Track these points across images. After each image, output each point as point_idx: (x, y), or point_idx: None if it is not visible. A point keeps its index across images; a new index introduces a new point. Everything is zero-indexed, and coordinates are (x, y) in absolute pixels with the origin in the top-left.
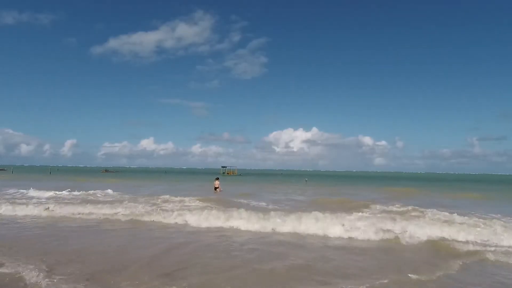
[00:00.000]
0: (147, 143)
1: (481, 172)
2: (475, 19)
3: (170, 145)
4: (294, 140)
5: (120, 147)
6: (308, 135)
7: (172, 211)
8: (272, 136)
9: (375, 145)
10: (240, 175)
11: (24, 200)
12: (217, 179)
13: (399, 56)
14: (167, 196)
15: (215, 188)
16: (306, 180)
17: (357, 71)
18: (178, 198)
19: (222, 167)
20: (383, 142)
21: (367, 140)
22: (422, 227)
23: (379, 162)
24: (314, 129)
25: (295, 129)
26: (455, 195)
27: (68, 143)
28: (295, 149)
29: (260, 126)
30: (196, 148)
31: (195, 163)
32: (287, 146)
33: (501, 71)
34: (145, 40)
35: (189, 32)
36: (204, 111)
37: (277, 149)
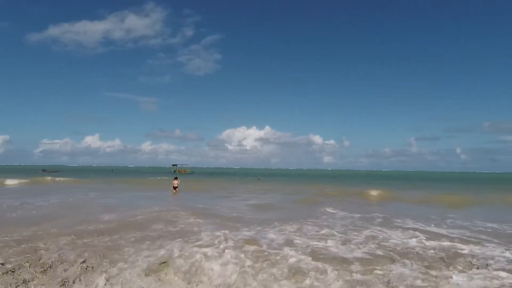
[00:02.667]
0: (91, 140)
1: (418, 170)
2: (411, 21)
3: (117, 142)
4: (247, 138)
5: (61, 144)
6: (261, 133)
7: None
8: (225, 134)
9: (324, 144)
10: (192, 173)
11: None
12: (176, 178)
13: (346, 58)
14: None
15: (174, 188)
16: (259, 178)
17: (308, 71)
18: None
19: (173, 165)
20: (332, 141)
21: (317, 139)
22: None
23: (328, 160)
24: (267, 128)
25: (249, 127)
26: (432, 198)
27: None
28: (248, 147)
29: (213, 124)
30: (146, 146)
31: (144, 161)
32: (240, 144)
33: (436, 77)
34: (90, 30)
35: (139, 24)
36: (154, 107)
37: (230, 147)
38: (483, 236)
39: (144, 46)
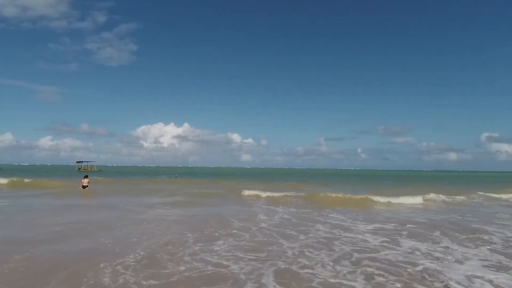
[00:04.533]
0: None
1: (326, 167)
2: (326, 30)
3: (8, 137)
4: (165, 135)
5: None
6: (179, 130)
7: None
8: (141, 130)
9: (243, 143)
10: (100, 170)
11: None
12: (86, 177)
13: (264, 59)
14: None
15: (83, 187)
16: (176, 176)
17: (228, 70)
18: None
19: (77, 162)
20: (250, 140)
21: (236, 137)
22: None
23: (246, 159)
24: (186, 125)
25: (166, 124)
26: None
27: None
28: (165, 145)
29: (127, 119)
30: (46, 141)
31: (43, 158)
32: (156, 141)
33: (342, 83)
34: None
35: (38, 2)
36: (56, 97)
37: (146, 144)
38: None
39: (45, 28)
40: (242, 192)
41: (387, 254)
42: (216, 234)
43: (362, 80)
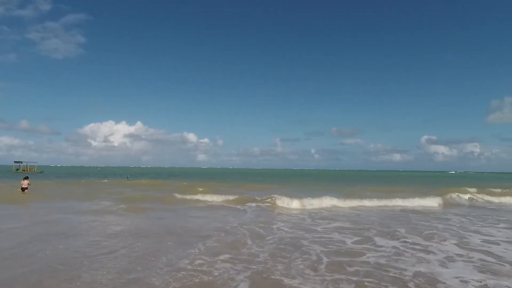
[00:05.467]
0: None
1: (282, 168)
2: (287, 32)
3: None
4: (115, 134)
5: None
6: (131, 129)
7: None
8: (89, 128)
9: (199, 143)
10: (41, 172)
11: None
12: (27, 178)
13: (221, 58)
14: None
15: (23, 189)
16: (127, 178)
17: (183, 68)
18: None
19: (15, 162)
20: (206, 140)
21: (191, 137)
22: None
23: (202, 159)
24: (139, 124)
25: (117, 122)
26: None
27: None
28: (116, 144)
29: (73, 116)
30: None
31: None
32: (106, 140)
33: (298, 86)
34: None
35: None
36: None
37: (94, 143)
38: None
39: None
40: (183, 196)
41: None
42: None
43: (317, 83)
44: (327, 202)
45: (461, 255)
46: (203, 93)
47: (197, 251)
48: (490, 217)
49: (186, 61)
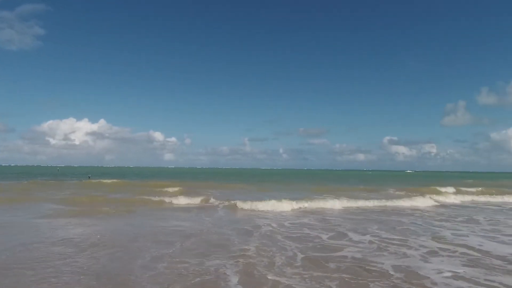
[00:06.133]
0: None
1: (250, 167)
2: (251, 29)
3: None
4: (77, 132)
5: None
6: (94, 127)
7: None
8: (47, 125)
9: (166, 141)
10: None
11: None
12: None
13: (188, 55)
14: None
15: None
16: (89, 177)
17: (149, 63)
18: None
19: None
20: (173, 139)
21: (158, 135)
22: None
23: (169, 158)
24: (102, 121)
25: (79, 119)
26: None
27: None
28: (77, 142)
29: (29, 112)
30: None
31: None
32: (66, 138)
33: (268, 85)
34: None
35: None
36: None
37: (53, 141)
38: None
39: None
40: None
41: None
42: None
43: (286, 82)
44: (287, 205)
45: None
46: (170, 91)
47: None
48: (466, 216)
49: (152, 57)
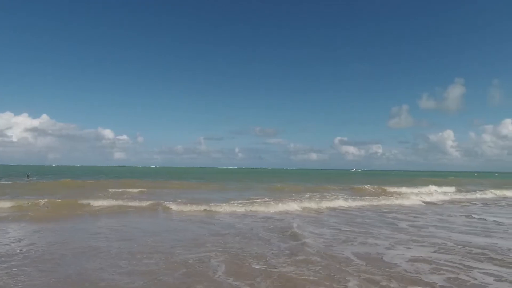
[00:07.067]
0: None
1: (205, 166)
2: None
3: None
4: (14, 128)
5: None
6: (35, 122)
7: None
8: None
9: (116, 139)
10: None
11: None
12: None
13: (146, 52)
14: None
15: None
16: (28, 176)
17: (98, 55)
18: None
19: None
20: (125, 137)
21: (108, 133)
22: None
23: (119, 157)
24: (45, 117)
25: (17, 114)
26: None
27: None
28: (14, 139)
29: None
30: None
31: None
32: (2, 134)
33: (225, 83)
34: None
35: None
36: None
37: None
38: None
39: None
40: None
41: None
42: None
43: (242, 81)
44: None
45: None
46: (121, 86)
47: None
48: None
49: (100, 49)
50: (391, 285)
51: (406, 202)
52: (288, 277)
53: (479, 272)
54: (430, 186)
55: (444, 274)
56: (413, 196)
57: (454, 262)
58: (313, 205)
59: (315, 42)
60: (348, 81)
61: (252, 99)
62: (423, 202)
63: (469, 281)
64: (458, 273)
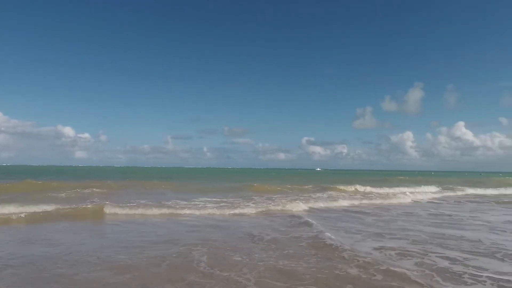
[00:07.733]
0: None
1: (173, 166)
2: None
3: None
4: None
5: None
6: None
7: None
8: None
9: (77, 137)
10: None
11: None
12: None
13: (112, 46)
14: None
15: None
16: None
17: (59, 46)
18: None
19: None
20: (86, 135)
21: (68, 131)
22: None
23: (80, 156)
24: None
25: None
26: None
27: None
28: None
29: None
30: None
31: None
32: None
33: (192, 81)
34: None
35: None
36: None
37: None
38: None
39: None
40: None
41: None
42: None
43: (210, 78)
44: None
45: None
46: (83, 81)
47: None
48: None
49: (61, 42)
50: None
51: (401, 201)
52: None
53: None
54: (428, 186)
55: None
56: (401, 195)
57: None
58: (321, 204)
59: (283, 42)
60: (315, 81)
61: (221, 98)
62: (426, 200)
63: None
64: None
